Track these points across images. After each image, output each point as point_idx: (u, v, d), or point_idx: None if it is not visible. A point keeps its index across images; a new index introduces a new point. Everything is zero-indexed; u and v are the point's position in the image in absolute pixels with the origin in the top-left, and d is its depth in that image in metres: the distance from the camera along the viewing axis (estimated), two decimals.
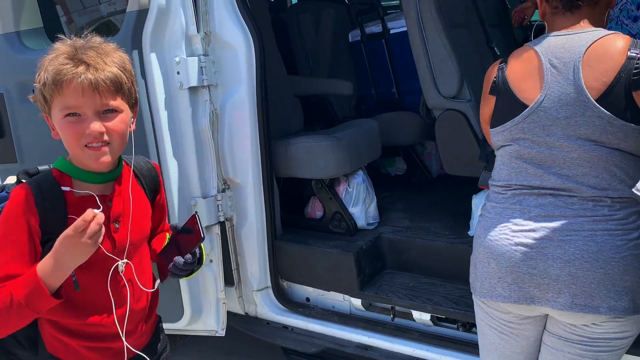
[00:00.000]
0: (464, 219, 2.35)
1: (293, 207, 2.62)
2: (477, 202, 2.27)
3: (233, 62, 2.18)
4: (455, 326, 2.10)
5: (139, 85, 1.98)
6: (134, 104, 1.26)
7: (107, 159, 1.18)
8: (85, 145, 1.15)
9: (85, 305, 1.24)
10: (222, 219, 2.28)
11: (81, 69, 1.12)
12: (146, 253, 1.41)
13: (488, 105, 1.54)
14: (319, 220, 2.52)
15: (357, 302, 2.31)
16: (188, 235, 1.30)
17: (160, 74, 2.09)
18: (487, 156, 2.09)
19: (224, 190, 2.31)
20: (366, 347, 2.21)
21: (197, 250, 1.30)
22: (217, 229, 2.26)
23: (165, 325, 2.30)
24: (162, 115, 2.10)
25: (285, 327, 2.41)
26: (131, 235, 1.27)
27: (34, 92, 1.21)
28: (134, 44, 2.08)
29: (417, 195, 2.99)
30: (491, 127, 1.50)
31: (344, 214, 2.42)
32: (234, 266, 2.39)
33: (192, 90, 2.14)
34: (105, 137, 1.16)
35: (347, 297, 2.34)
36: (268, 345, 2.44)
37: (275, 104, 2.44)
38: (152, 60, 2.07)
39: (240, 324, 2.49)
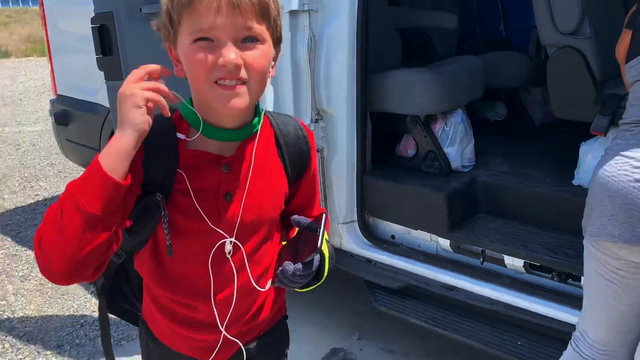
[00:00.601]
0: (569, 167, 2.20)
1: (383, 145, 2.56)
2: (586, 150, 2.11)
3: None
4: (550, 275, 2.00)
5: None
6: (277, 40, 0.98)
7: (241, 102, 0.91)
8: (216, 82, 0.89)
9: (179, 278, 1.05)
10: None
11: None
12: (271, 243, 1.12)
13: (624, 40, 1.48)
14: (410, 159, 2.45)
15: (444, 243, 2.25)
16: (310, 237, 1.02)
17: None
18: (604, 99, 1.92)
19: (316, 121, 2.29)
20: (451, 288, 2.16)
21: (314, 261, 1.00)
22: None
23: None
24: None
25: (369, 260, 2.41)
26: (245, 214, 1.02)
27: (153, 16, 0.98)
28: None
29: (517, 141, 2.83)
30: (626, 62, 1.42)
31: (438, 154, 2.34)
32: (322, 197, 2.40)
33: (292, 14, 2.10)
34: (243, 74, 0.89)
35: (434, 237, 2.29)
36: (351, 277, 2.46)
37: (374, 36, 2.35)
38: None
39: None
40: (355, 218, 2.41)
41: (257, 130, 1.02)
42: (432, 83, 2.27)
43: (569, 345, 1.68)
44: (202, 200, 0.99)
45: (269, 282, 1.09)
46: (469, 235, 2.14)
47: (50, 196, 4.55)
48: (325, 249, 1.05)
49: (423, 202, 2.22)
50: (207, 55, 0.88)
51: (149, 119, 0.89)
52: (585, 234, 1.47)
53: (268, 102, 2.16)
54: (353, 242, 2.43)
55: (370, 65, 2.26)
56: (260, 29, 0.91)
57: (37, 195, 4.61)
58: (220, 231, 1.01)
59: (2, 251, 3.64)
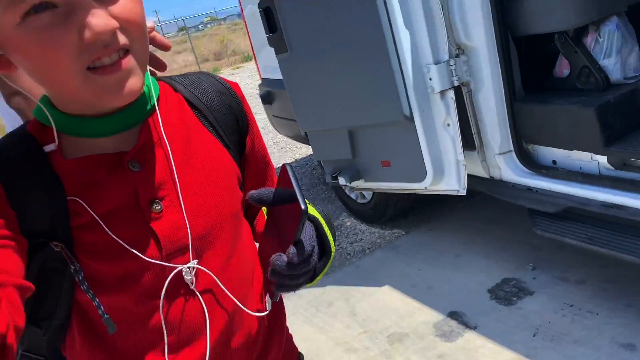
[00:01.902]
0: None
1: (539, 68, 2.48)
2: None
3: None
4: None
5: None
6: None
7: (137, 81, 0.63)
8: (89, 68, 0.60)
9: (135, 354, 0.73)
10: (456, 84, 2.34)
11: None
12: (245, 242, 0.82)
13: None
14: (565, 79, 2.33)
15: (605, 162, 2.12)
16: (286, 209, 0.68)
17: None
18: None
19: (457, 56, 2.35)
20: (612, 206, 2.04)
21: (306, 233, 0.68)
22: (451, 94, 2.34)
23: (411, 186, 2.59)
24: None
25: (529, 189, 2.38)
26: (192, 219, 0.72)
27: None
28: None
29: None
30: None
31: (592, 68, 2.19)
32: (474, 130, 2.45)
33: None
34: (122, 39, 0.61)
35: (595, 156, 2.17)
36: (513, 207, 2.47)
37: None
38: None
39: (486, 187, 2.56)
40: (512, 147, 2.40)
41: (154, 102, 0.74)
42: None
43: None
44: (121, 226, 0.69)
45: (267, 298, 0.81)
46: (627, 148, 1.99)
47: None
48: (314, 211, 0.78)
49: (573, 119, 2.13)
50: (60, 35, 0.57)
51: None
52: None
53: (405, 44, 2.30)
54: (512, 172, 2.43)
55: None
56: None
57: None
58: (163, 263, 0.70)
59: None
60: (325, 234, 0.75)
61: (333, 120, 2.72)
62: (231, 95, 0.82)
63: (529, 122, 2.33)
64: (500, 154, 2.44)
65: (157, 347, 0.72)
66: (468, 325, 2.35)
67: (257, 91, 4.92)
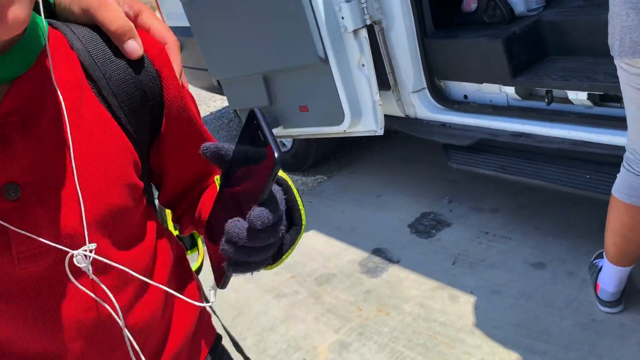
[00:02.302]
0: None
1: (448, 4, 2.50)
2: None
3: None
4: (619, 104, 1.89)
5: None
6: None
7: (21, 10, 0.49)
8: None
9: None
10: (368, 22, 2.32)
11: None
12: (144, 243, 0.68)
13: None
14: (473, 13, 2.38)
15: (512, 93, 2.21)
16: (252, 165, 0.52)
17: None
18: None
19: None
20: (520, 134, 2.14)
21: (275, 191, 0.53)
22: (364, 32, 2.31)
23: (330, 129, 2.58)
24: None
25: (443, 124, 2.45)
26: (87, 204, 0.59)
27: None
28: None
29: None
30: None
31: (497, 1, 2.24)
32: (388, 70, 2.46)
33: None
34: None
35: (503, 88, 2.25)
36: (429, 144, 2.53)
37: None
38: None
39: (402, 126, 2.60)
40: (425, 85, 2.44)
41: (41, 48, 0.58)
42: None
43: (621, 167, 1.64)
44: None
45: (212, 286, 0.58)
46: (532, 78, 2.08)
47: None
48: (282, 173, 0.59)
49: (482, 52, 2.18)
50: None
51: None
52: (613, 52, 1.42)
53: None
54: (426, 109, 2.47)
55: None
56: None
57: None
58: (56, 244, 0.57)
59: None
60: (295, 200, 0.59)
61: (247, 66, 2.63)
62: (144, 64, 0.63)
63: (440, 59, 2.36)
64: (414, 92, 2.47)
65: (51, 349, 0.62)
66: (391, 260, 2.42)
67: None
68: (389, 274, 2.34)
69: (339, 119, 2.50)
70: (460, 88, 2.42)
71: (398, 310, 2.14)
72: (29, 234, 0.56)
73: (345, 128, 2.52)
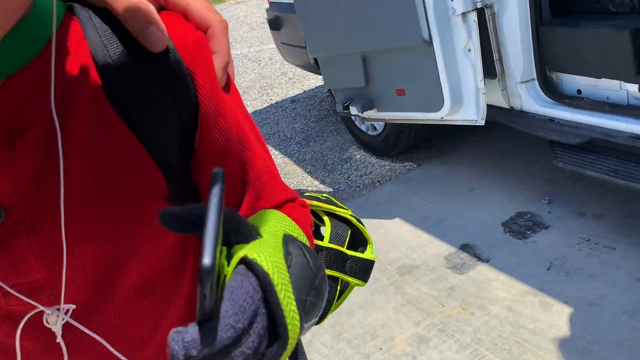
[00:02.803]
0: None
1: None
2: None
3: None
4: None
5: None
6: None
7: None
8: None
9: None
10: (479, 5, 2.19)
11: None
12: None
13: None
14: (597, 1, 2.18)
15: (636, 91, 2.01)
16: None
17: None
18: None
19: None
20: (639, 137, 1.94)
21: (235, 298, 0.38)
22: (473, 16, 2.19)
23: (426, 115, 2.49)
24: None
25: (551, 119, 2.28)
26: (74, 248, 0.47)
27: None
28: None
29: None
30: None
31: None
32: (496, 57, 2.32)
33: None
34: None
35: (624, 85, 2.05)
36: (530, 139, 2.38)
37: None
38: None
39: (505, 117, 2.46)
40: (534, 75, 2.28)
41: (49, 36, 0.47)
42: None
43: None
44: None
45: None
46: None
47: (280, 99, 5.18)
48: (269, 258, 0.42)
49: (605, 44, 1.99)
50: None
51: None
52: None
53: None
54: (534, 102, 2.31)
55: None
56: None
57: (270, 99, 5.30)
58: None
59: None
60: (278, 302, 0.40)
61: (346, 45, 2.58)
62: (176, 64, 0.48)
63: (554, 48, 2.19)
64: (522, 82, 2.31)
65: None
66: (480, 258, 2.31)
67: (264, 19, 4.77)
68: (476, 272, 2.23)
69: (437, 105, 2.40)
70: (574, 82, 2.24)
71: (484, 310, 2.03)
72: None
73: (443, 115, 2.42)
